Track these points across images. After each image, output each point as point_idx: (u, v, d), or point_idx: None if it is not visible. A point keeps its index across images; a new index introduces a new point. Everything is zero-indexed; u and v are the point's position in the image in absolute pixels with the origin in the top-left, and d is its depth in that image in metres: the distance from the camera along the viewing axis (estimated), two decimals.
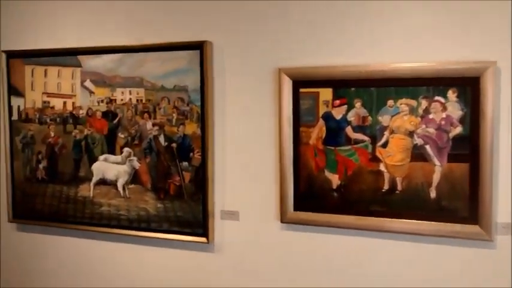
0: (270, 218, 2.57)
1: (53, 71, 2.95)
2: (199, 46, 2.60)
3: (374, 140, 2.34)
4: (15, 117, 3.08)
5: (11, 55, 3.04)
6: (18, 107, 3.06)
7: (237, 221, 2.65)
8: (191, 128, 2.66)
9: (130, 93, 2.78)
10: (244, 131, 2.59)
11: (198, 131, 2.63)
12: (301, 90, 2.44)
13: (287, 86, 2.45)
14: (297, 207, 2.50)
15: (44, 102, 2.99)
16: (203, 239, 2.67)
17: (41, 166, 3.03)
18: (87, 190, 2.92)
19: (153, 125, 2.74)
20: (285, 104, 2.46)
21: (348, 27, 2.36)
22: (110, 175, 2.85)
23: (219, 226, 2.68)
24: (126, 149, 2.81)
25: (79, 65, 2.88)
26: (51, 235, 3.08)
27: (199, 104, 2.62)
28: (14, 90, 3.06)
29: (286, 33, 2.47)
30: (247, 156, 2.59)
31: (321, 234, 2.47)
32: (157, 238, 2.76)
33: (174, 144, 2.70)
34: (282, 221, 2.52)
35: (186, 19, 2.66)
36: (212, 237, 2.67)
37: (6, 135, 3.08)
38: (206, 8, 2.61)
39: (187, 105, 2.65)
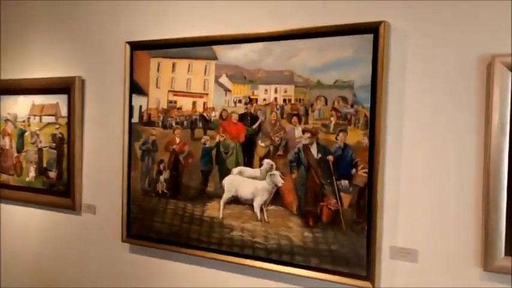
0: (466, 263, 1.86)
1: (182, 64, 2.47)
2: (372, 29, 1.98)
3: None
4: (135, 119, 2.63)
5: (136, 46, 2.61)
6: (140, 107, 2.61)
7: (414, 263, 1.96)
8: (355, 137, 2.02)
9: (275, 91, 2.20)
10: (429, 141, 1.93)
11: (365, 141, 1.99)
12: None
13: (503, 80, 1.76)
14: (510, 251, 1.74)
15: (170, 102, 2.51)
16: (366, 284, 2.01)
17: (162, 178, 2.54)
18: (215, 209, 2.37)
19: (304, 131, 2.14)
20: (497, 105, 1.77)
21: None
22: (245, 192, 2.28)
23: (389, 268, 2.01)
24: (266, 161, 2.23)
25: (214, 57, 2.36)
26: (170, 260, 2.57)
27: (368, 105, 1.99)
28: (136, 88, 2.62)
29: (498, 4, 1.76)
30: (432, 175, 1.92)
31: None
32: (303, 276, 2.14)
33: (330, 157, 2.07)
34: (485, 269, 1.81)
35: None
36: (379, 283, 2.01)
37: (125, 140, 2.64)
38: None
39: (352, 106, 2.03)
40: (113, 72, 2.74)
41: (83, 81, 2.90)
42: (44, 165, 3.06)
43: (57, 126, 2.99)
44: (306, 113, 2.15)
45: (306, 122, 2.15)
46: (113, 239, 2.76)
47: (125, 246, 2.72)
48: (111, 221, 2.77)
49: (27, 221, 3.15)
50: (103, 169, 2.82)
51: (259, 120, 2.27)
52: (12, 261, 3.23)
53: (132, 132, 2.65)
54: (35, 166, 3.11)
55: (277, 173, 2.21)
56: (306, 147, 2.15)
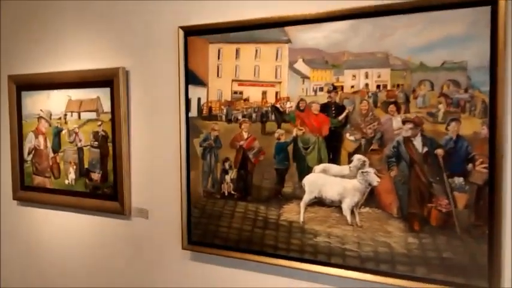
0: None
1: (248, 50, 2.16)
2: (489, 0, 1.65)
3: None
4: (193, 113, 2.33)
5: (191, 32, 2.29)
6: (199, 99, 2.30)
7: None
8: (471, 126, 1.74)
9: (366, 77, 1.90)
10: None
11: (484, 131, 1.72)
12: None
13: None
14: None
15: (235, 92, 2.21)
16: None
17: (227, 178, 2.25)
18: (294, 212, 2.09)
19: (404, 121, 1.85)
20: None
21: None
22: (331, 193, 2.00)
23: None
24: (357, 157, 1.94)
25: (287, 41, 2.06)
26: (241, 269, 2.30)
27: (486, 89, 1.71)
28: (192, 78, 2.32)
29: None
30: None
31: None
32: None
33: (439, 151, 1.79)
34: None
35: None
36: None
37: (182, 136, 2.34)
38: None
39: (466, 91, 1.73)
40: (163, 62, 2.44)
41: (127, 73, 2.58)
42: (86, 166, 2.77)
43: (99, 123, 2.69)
44: (407, 101, 1.85)
45: (407, 111, 1.85)
46: (170, 245, 2.49)
47: (184, 253, 2.45)
48: (167, 226, 2.49)
49: (68, 226, 2.87)
50: (155, 169, 2.53)
51: (346, 110, 1.97)
52: (52, 270, 2.96)
53: (190, 128, 2.35)
54: (74, 167, 2.81)
55: (371, 170, 1.92)
56: (408, 140, 1.85)
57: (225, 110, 2.26)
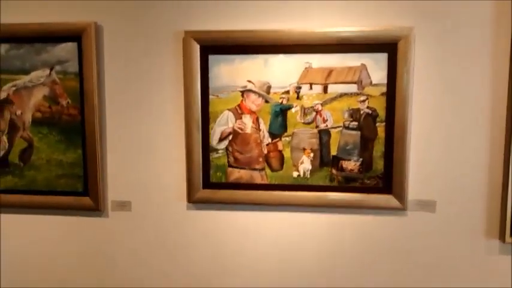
0: None
1: None
2: None
3: None
4: None
5: None
6: None
7: None
8: None
9: None
10: None
11: None
12: None
13: None
14: None
15: None
16: None
17: None
18: None
19: None
20: None
21: None
22: None
23: None
24: None
25: None
26: None
27: None
28: None
29: None
30: None
31: None
32: None
33: None
34: None
35: None
36: None
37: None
38: None
39: None
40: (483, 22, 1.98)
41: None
42: (333, 152, 2.18)
43: (361, 98, 2.13)
44: None
45: None
46: (475, 243, 2.14)
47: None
48: (465, 220, 2.15)
49: (304, 231, 2.28)
50: (449, 157, 2.11)
51: None
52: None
53: None
54: (311, 155, 2.20)
55: None
56: None
57: None
